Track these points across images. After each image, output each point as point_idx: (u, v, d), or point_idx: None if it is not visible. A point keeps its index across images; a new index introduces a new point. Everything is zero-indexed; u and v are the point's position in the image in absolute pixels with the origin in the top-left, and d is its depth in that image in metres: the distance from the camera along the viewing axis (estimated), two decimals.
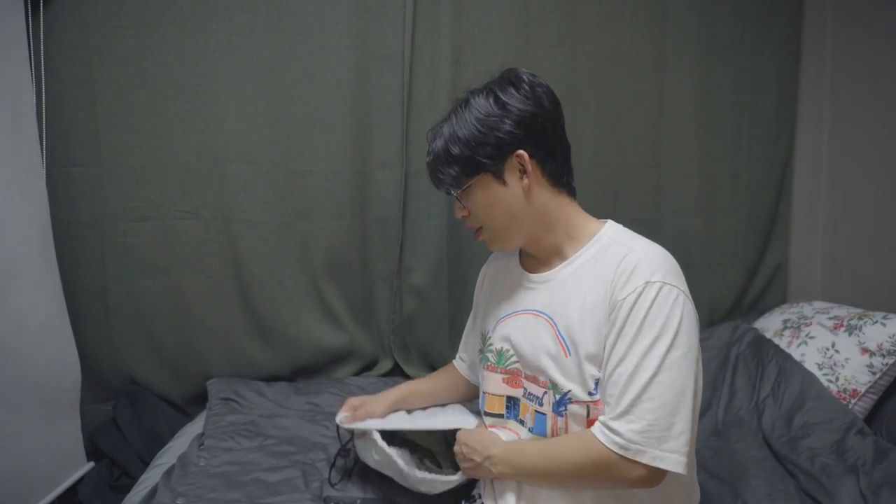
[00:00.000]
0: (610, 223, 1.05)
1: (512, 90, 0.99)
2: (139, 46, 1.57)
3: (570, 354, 0.96)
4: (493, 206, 1.02)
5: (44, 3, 1.48)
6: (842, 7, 1.95)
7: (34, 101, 1.44)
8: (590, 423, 0.95)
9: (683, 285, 0.93)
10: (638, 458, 0.86)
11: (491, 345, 1.12)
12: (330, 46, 1.65)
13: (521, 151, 0.98)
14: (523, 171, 1.00)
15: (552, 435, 0.99)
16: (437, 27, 1.69)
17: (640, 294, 0.89)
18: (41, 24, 1.48)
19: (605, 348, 0.92)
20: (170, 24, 1.57)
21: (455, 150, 1.01)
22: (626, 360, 0.89)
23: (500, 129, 0.98)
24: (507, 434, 1.07)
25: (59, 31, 1.52)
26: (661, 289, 0.89)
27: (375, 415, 1.23)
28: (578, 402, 0.95)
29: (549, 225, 1.03)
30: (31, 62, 1.43)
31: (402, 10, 1.66)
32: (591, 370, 0.94)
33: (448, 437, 1.21)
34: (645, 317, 0.89)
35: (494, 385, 1.10)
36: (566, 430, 0.97)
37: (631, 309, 0.90)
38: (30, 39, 1.42)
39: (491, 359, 1.11)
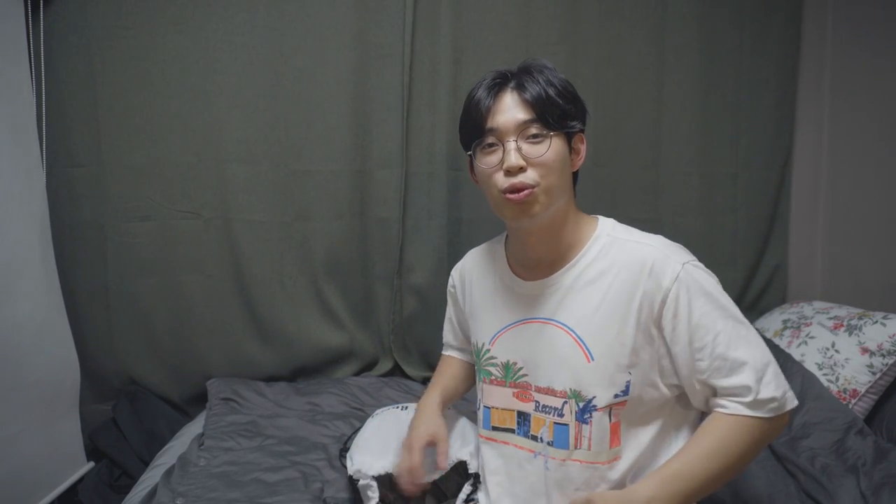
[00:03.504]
0: (601, 219, 1.04)
1: None
2: (139, 46, 1.57)
3: (592, 359, 0.95)
4: (560, 165, 0.97)
5: (44, 3, 1.48)
6: (841, 7, 1.95)
7: (34, 101, 1.44)
8: (613, 426, 0.94)
9: None
10: (788, 408, 0.91)
11: (493, 358, 1.07)
12: (330, 46, 1.65)
13: (582, 134, 1.02)
14: (576, 153, 1.01)
15: (576, 444, 0.95)
16: (437, 27, 1.69)
17: (683, 277, 0.92)
18: (41, 24, 1.49)
19: (679, 340, 0.92)
20: (170, 24, 1.57)
21: (573, 90, 1.00)
22: (719, 335, 0.91)
23: (582, 103, 1.01)
24: (511, 450, 1.04)
25: (60, 32, 1.52)
26: (696, 266, 0.95)
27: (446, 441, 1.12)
28: (603, 407, 0.94)
29: (567, 213, 1.01)
30: (31, 62, 1.43)
31: (402, 10, 1.66)
32: (619, 371, 0.94)
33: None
34: (703, 292, 0.92)
35: (503, 399, 1.05)
36: (590, 437, 0.95)
37: (688, 291, 0.92)
38: (30, 39, 1.42)
39: (495, 373, 1.07)
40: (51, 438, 1.44)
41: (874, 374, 1.50)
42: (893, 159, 1.78)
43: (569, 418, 0.97)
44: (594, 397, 0.94)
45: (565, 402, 0.97)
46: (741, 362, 0.90)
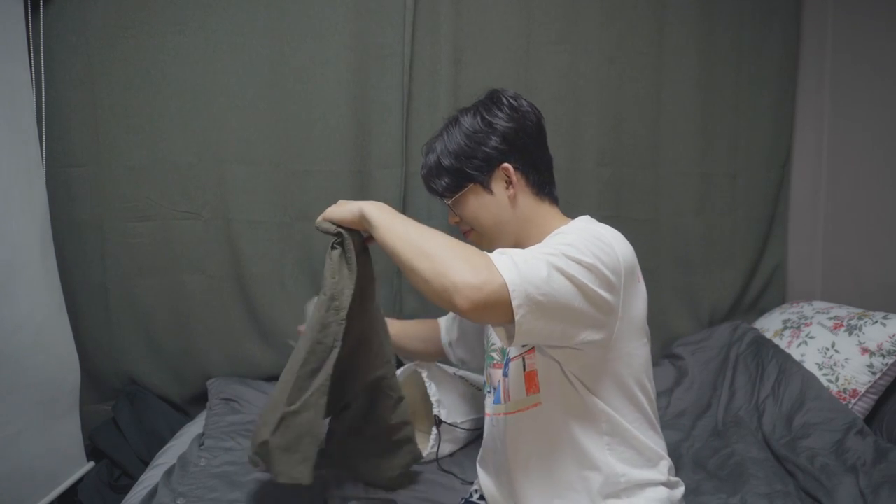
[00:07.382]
0: (581, 218, 1.09)
1: (496, 110, 1.07)
2: (139, 46, 1.57)
3: None
4: (482, 213, 1.09)
5: (44, 3, 1.48)
6: (841, 8, 1.95)
7: (34, 101, 1.44)
8: (528, 374, 1.02)
9: (612, 236, 0.95)
10: (497, 263, 0.85)
11: (493, 344, 1.18)
12: (330, 46, 1.65)
13: (506, 164, 1.06)
14: (509, 182, 1.07)
15: (505, 399, 1.07)
16: (437, 27, 1.69)
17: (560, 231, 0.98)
18: (41, 24, 1.48)
19: None
20: (170, 24, 1.57)
21: (446, 161, 1.09)
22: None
23: (486, 144, 1.06)
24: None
25: (59, 31, 1.52)
26: (577, 219, 1.02)
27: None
28: (515, 357, 1.04)
29: (531, 229, 1.09)
30: (31, 62, 1.43)
31: (402, 10, 1.66)
32: None
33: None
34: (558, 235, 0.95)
35: (498, 380, 1.16)
36: (508, 388, 1.06)
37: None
38: (30, 39, 1.42)
39: (496, 357, 1.16)
40: (51, 438, 1.44)
41: (874, 374, 1.50)
42: (893, 159, 1.78)
43: (500, 377, 1.10)
44: (509, 349, 1.06)
45: (505, 366, 1.09)
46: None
